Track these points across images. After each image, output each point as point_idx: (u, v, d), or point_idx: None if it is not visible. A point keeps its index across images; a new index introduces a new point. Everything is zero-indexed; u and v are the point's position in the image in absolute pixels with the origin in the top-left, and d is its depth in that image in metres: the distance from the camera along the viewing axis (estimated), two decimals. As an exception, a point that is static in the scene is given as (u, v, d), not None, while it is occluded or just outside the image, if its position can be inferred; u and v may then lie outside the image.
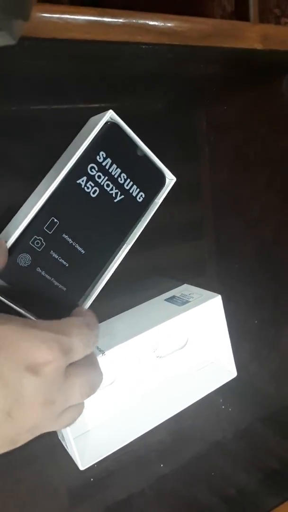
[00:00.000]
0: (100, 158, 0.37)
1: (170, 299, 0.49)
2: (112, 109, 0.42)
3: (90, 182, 0.37)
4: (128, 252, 0.41)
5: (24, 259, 0.34)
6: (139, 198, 0.40)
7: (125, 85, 0.50)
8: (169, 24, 0.47)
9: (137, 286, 0.53)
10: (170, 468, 0.58)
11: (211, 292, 0.49)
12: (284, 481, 0.62)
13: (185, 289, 0.52)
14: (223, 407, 0.61)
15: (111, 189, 0.38)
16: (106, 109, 0.43)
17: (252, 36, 0.53)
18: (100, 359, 0.38)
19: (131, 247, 0.41)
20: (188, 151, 0.62)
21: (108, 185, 0.37)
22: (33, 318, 0.34)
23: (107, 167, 0.37)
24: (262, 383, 0.65)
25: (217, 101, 0.62)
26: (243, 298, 0.62)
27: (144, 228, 0.44)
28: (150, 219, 0.43)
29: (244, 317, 0.60)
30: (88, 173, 0.36)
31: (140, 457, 0.55)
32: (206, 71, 0.58)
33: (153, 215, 0.43)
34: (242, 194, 0.63)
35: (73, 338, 0.28)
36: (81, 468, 0.42)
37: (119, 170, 0.38)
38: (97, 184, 0.37)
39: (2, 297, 0.33)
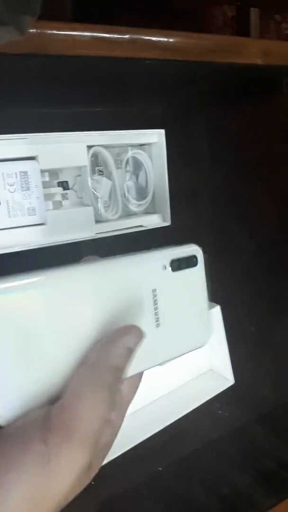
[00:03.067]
0: None
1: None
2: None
3: None
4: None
5: None
6: None
7: (126, 95, 0.51)
8: (172, 40, 0.49)
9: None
10: (165, 466, 0.60)
11: (211, 303, 0.50)
12: (279, 481, 0.63)
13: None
14: (219, 412, 0.62)
15: None
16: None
17: (253, 51, 0.54)
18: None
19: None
20: (187, 156, 0.63)
21: None
22: None
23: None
24: (257, 386, 0.67)
25: (217, 109, 0.63)
26: (239, 304, 0.64)
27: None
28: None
29: (240, 322, 0.61)
30: None
31: (136, 455, 0.57)
32: (207, 84, 0.59)
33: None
34: (239, 199, 0.65)
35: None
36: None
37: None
38: None
39: None
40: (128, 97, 0.50)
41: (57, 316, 0.22)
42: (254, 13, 0.80)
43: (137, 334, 0.24)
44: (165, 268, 0.27)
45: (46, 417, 0.20)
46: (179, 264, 0.27)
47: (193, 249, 0.28)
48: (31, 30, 0.41)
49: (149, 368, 0.26)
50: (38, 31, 0.41)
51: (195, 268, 0.28)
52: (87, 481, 0.22)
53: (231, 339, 0.53)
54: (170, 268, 0.27)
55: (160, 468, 0.59)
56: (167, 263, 0.27)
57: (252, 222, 0.66)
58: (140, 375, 0.26)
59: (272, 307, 0.68)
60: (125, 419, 0.25)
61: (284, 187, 0.68)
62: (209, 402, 0.57)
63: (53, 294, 0.22)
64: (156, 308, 0.26)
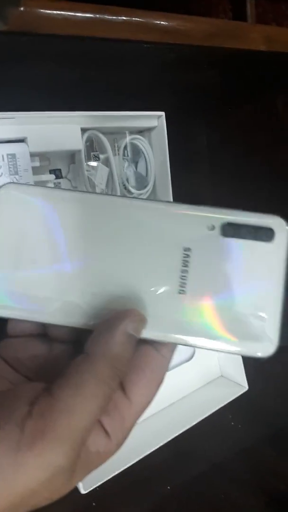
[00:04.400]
0: None
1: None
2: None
3: None
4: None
5: None
6: None
7: (126, 92, 0.49)
8: (172, 23, 0.46)
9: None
10: (172, 489, 0.55)
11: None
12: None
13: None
14: (232, 423, 0.57)
15: None
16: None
17: (255, 37, 0.51)
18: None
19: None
20: (189, 163, 0.60)
21: None
22: None
23: None
24: (269, 399, 0.63)
25: (217, 114, 0.61)
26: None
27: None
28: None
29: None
30: None
31: (142, 478, 0.52)
32: (207, 77, 0.56)
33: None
34: (242, 204, 0.61)
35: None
36: (83, 491, 0.39)
37: None
38: None
39: None
40: (125, 83, 0.47)
41: (88, 232, 0.21)
42: (250, 5, 0.78)
43: (137, 317, 0.20)
44: (212, 228, 0.21)
45: (34, 400, 0.18)
46: (237, 231, 0.21)
47: (271, 221, 0.21)
48: (20, 8, 0.39)
49: (158, 341, 0.21)
50: (28, 9, 0.39)
51: (267, 244, 0.21)
52: (67, 486, 0.18)
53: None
54: (219, 231, 0.21)
55: (168, 488, 0.53)
56: (217, 223, 0.21)
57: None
58: (155, 385, 0.21)
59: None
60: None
61: None
62: (221, 413, 0.52)
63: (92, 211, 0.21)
64: (184, 272, 0.21)
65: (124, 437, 0.20)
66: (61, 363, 0.20)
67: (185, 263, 0.21)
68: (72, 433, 0.17)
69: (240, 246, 0.21)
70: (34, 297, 0.21)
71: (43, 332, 0.23)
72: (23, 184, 0.23)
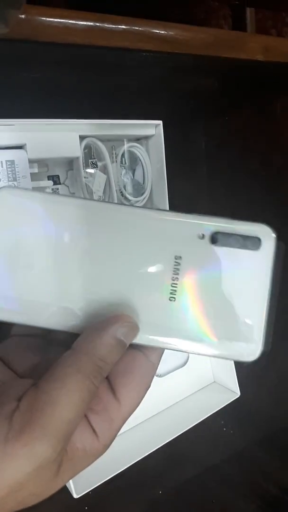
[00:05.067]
0: None
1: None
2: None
3: None
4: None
5: None
6: None
7: (125, 100, 0.49)
8: (171, 32, 0.46)
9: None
10: (165, 493, 0.55)
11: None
12: (284, 508, 0.59)
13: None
14: (224, 429, 0.58)
15: None
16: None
17: (253, 47, 0.52)
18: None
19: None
20: (186, 170, 0.61)
21: None
22: None
23: None
24: (261, 404, 0.63)
25: (215, 117, 0.61)
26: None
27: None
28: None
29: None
30: None
31: (135, 483, 0.52)
32: (205, 85, 0.57)
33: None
34: (239, 210, 0.62)
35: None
36: (75, 496, 0.39)
37: None
38: None
39: None
40: (124, 91, 0.47)
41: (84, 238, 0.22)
42: (250, 12, 0.79)
43: (128, 324, 0.21)
44: (202, 237, 0.22)
45: (21, 395, 0.18)
46: (226, 239, 0.22)
47: (258, 229, 0.22)
48: (21, 16, 0.39)
49: (148, 346, 0.22)
50: (29, 16, 0.39)
51: (254, 252, 0.22)
52: (53, 483, 0.18)
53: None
54: (208, 239, 0.22)
55: (160, 492, 0.54)
56: (207, 232, 0.22)
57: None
58: (143, 389, 0.21)
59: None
60: (121, 437, 0.21)
61: None
62: (214, 418, 0.53)
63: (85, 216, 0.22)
64: (175, 279, 0.22)
65: (112, 439, 0.21)
66: (52, 363, 0.20)
67: (176, 271, 0.22)
68: (57, 424, 0.17)
69: (228, 254, 0.22)
70: (28, 301, 0.21)
71: (41, 333, 0.24)
72: (19, 188, 0.23)
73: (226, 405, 0.49)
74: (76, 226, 0.22)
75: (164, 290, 0.22)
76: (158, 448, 0.46)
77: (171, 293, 0.22)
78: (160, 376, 0.47)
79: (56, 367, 0.19)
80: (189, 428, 0.45)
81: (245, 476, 0.61)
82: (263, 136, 0.61)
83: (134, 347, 0.22)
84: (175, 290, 0.22)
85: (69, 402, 0.18)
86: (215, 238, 0.22)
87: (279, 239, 0.22)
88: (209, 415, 0.45)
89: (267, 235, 0.22)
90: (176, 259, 0.22)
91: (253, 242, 0.22)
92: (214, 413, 0.47)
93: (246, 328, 0.22)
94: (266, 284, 0.22)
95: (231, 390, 0.47)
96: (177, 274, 0.22)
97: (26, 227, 0.22)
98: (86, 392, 0.18)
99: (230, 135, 0.61)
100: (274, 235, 0.22)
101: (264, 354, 0.22)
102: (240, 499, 0.59)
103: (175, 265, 0.22)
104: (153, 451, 0.46)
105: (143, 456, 0.44)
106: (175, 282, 0.22)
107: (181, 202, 0.53)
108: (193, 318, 0.22)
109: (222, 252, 0.22)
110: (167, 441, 0.44)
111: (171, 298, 0.22)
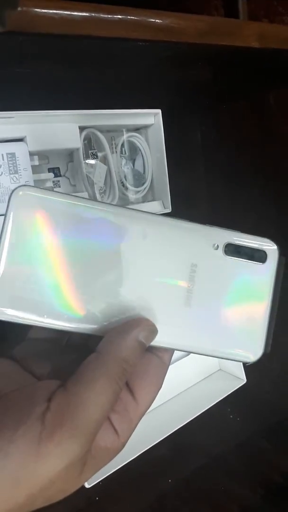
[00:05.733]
0: None
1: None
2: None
3: None
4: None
5: None
6: None
7: (122, 90, 0.49)
8: (166, 21, 0.46)
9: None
10: (173, 482, 0.56)
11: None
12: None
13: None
14: (231, 416, 0.58)
15: None
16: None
17: (248, 34, 0.52)
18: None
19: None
20: (184, 159, 0.61)
21: None
22: None
23: None
24: (266, 393, 0.63)
25: (212, 111, 0.61)
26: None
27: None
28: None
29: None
30: None
31: (143, 472, 0.53)
32: (201, 74, 0.57)
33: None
34: (237, 201, 0.62)
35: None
36: (87, 485, 0.39)
37: None
38: None
39: None
40: (121, 81, 0.47)
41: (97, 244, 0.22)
42: (242, 1, 0.79)
43: (149, 327, 0.22)
44: (216, 247, 0.24)
45: (51, 396, 0.19)
46: (237, 251, 0.24)
47: (264, 244, 0.24)
48: (18, 9, 0.39)
49: (163, 347, 0.23)
50: (24, 8, 0.39)
51: (260, 265, 0.24)
52: (78, 480, 0.19)
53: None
54: (222, 250, 0.24)
55: (170, 480, 0.54)
56: (221, 243, 0.24)
57: (250, 228, 0.63)
58: (157, 389, 0.23)
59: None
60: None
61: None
62: (220, 406, 0.53)
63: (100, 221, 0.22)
64: (190, 285, 0.23)
65: (129, 436, 0.22)
66: (71, 365, 0.21)
67: (192, 278, 0.23)
68: (86, 424, 0.18)
69: (238, 265, 0.24)
70: (46, 303, 0.22)
71: (56, 337, 0.24)
72: (36, 187, 0.23)
73: (232, 393, 0.49)
74: (95, 229, 0.22)
75: (180, 295, 0.23)
76: (165, 438, 0.46)
77: (187, 298, 0.23)
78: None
79: (84, 370, 0.20)
80: (196, 416, 0.45)
81: (251, 465, 0.61)
82: (260, 127, 0.61)
83: (148, 348, 0.23)
84: (191, 296, 0.23)
85: (97, 404, 0.19)
86: (227, 249, 0.24)
87: (281, 254, 0.24)
88: (215, 402, 0.46)
89: (272, 250, 0.24)
90: (192, 266, 0.23)
91: (260, 256, 0.24)
92: (220, 401, 0.47)
93: (250, 332, 0.24)
94: (269, 294, 0.24)
95: (237, 377, 0.47)
96: (193, 280, 0.23)
97: (44, 227, 0.22)
98: (112, 393, 0.20)
99: (226, 126, 0.61)
100: (277, 250, 0.24)
101: (264, 355, 0.24)
102: (246, 489, 0.59)
103: (191, 272, 0.23)
104: (161, 441, 0.46)
105: (151, 446, 0.44)
106: (190, 288, 0.23)
107: (179, 193, 0.53)
108: (205, 323, 0.23)
109: (232, 262, 0.24)
110: (175, 429, 0.44)
111: (186, 304, 0.23)
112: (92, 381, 0.19)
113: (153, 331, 0.22)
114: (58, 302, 0.22)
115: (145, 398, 0.22)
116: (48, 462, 0.17)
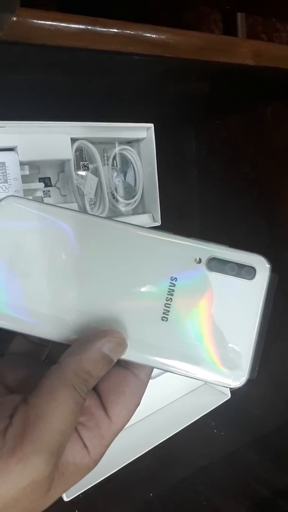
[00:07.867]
0: None
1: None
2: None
3: None
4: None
5: None
6: None
7: (116, 103, 0.49)
8: (162, 36, 0.47)
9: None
10: (156, 496, 0.55)
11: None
12: (273, 509, 0.59)
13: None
14: (215, 431, 0.58)
15: None
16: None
17: (244, 51, 0.52)
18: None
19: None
20: (177, 171, 0.61)
21: None
22: None
23: None
24: (252, 406, 0.63)
25: (206, 122, 0.62)
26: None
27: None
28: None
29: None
30: None
31: (126, 484, 0.52)
32: (197, 89, 0.57)
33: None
34: (229, 214, 0.63)
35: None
36: (66, 499, 0.39)
37: None
38: None
39: None
40: (115, 94, 0.47)
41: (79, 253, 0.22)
42: (241, 17, 0.80)
43: (116, 340, 0.21)
44: (199, 261, 0.22)
45: (13, 411, 0.18)
46: (222, 266, 0.22)
47: (253, 259, 0.22)
48: (13, 18, 0.39)
49: (137, 363, 0.22)
50: (20, 19, 0.39)
51: (248, 281, 0.22)
52: (46, 499, 0.18)
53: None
54: (205, 264, 0.22)
55: (152, 494, 0.54)
56: (204, 257, 0.22)
57: (242, 238, 0.63)
58: (133, 407, 0.22)
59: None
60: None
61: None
62: (205, 420, 0.53)
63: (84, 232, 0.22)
64: (169, 300, 0.22)
65: (102, 454, 0.21)
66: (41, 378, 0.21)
67: (171, 292, 0.22)
68: (49, 437, 0.18)
69: (222, 280, 0.22)
70: (23, 308, 0.22)
71: (37, 351, 0.24)
72: (23, 198, 0.23)
73: (217, 407, 0.49)
74: (76, 239, 0.22)
75: (157, 309, 0.22)
76: (149, 451, 0.46)
77: (163, 313, 0.22)
78: (151, 378, 0.47)
79: (44, 381, 0.19)
80: (180, 429, 0.45)
81: (236, 478, 0.61)
82: (254, 141, 0.62)
83: (124, 365, 0.22)
84: (168, 311, 0.22)
85: (59, 414, 0.18)
86: (211, 264, 0.22)
87: (273, 271, 0.22)
88: (200, 416, 0.46)
89: (262, 266, 0.22)
90: (171, 280, 0.22)
91: (248, 272, 0.22)
92: (205, 415, 0.47)
93: (233, 355, 0.22)
94: (256, 314, 0.22)
95: (222, 392, 0.47)
96: (172, 295, 0.22)
97: (28, 237, 0.22)
98: (74, 403, 0.19)
99: (220, 139, 0.62)
100: (268, 266, 0.22)
101: (248, 381, 0.22)
102: (231, 501, 0.59)
103: (170, 285, 0.22)
104: (144, 453, 0.46)
105: (134, 458, 0.44)
106: (168, 302, 0.22)
107: (171, 205, 0.53)
108: (183, 340, 0.22)
109: (216, 278, 0.22)
110: (159, 442, 0.44)
111: (163, 318, 0.22)
112: (52, 391, 0.19)
113: (120, 343, 0.21)
114: (31, 307, 0.22)
115: (118, 415, 0.21)
116: (10, 480, 0.17)
